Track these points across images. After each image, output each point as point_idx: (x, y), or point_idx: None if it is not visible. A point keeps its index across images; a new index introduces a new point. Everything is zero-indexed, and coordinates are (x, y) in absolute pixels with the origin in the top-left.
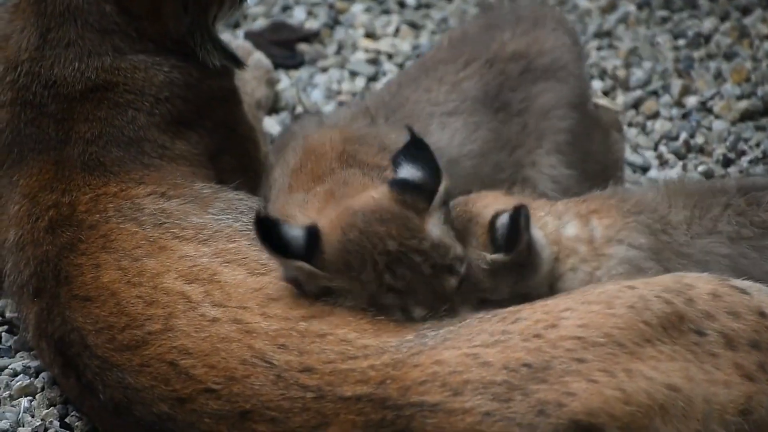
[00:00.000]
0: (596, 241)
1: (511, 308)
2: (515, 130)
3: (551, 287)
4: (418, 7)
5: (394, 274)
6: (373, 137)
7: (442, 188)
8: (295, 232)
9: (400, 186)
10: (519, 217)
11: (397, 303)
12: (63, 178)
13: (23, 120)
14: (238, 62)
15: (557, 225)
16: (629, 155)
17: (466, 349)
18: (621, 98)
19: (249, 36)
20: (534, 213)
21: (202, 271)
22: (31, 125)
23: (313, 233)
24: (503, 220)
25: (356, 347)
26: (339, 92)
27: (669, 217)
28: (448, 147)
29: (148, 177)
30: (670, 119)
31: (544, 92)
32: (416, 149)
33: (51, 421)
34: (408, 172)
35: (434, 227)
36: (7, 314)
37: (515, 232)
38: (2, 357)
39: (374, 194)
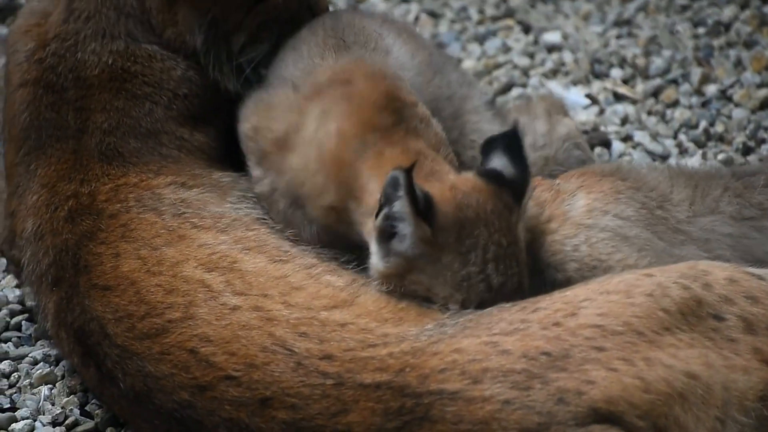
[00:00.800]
0: (572, 213)
1: (531, 299)
2: None
3: (535, 259)
4: None
5: (497, 268)
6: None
7: (531, 189)
8: (419, 196)
9: (495, 178)
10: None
11: (485, 298)
12: (81, 168)
13: (44, 103)
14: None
15: (538, 214)
16: (648, 143)
17: (486, 337)
18: (640, 86)
19: None
20: (540, 203)
21: (221, 259)
22: (50, 110)
23: (429, 199)
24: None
25: (376, 335)
26: None
27: (671, 196)
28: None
29: (167, 168)
30: (690, 108)
31: None
32: (511, 141)
33: (71, 409)
34: (500, 163)
35: (522, 233)
36: (28, 303)
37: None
38: (22, 345)
39: (476, 180)
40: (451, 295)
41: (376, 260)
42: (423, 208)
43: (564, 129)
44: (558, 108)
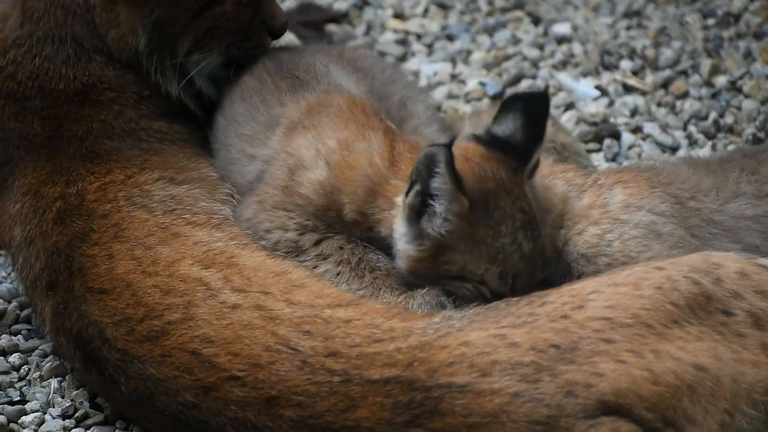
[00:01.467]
0: (611, 207)
1: (538, 293)
2: None
3: (557, 254)
4: None
5: (526, 235)
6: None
7: (536, 157)
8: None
9: (499, 145)
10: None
11: (519, 267)
12: (63, 170)
13: (6, 114)
14: (199, 110)
15: (574, 197)
16: (658, 135)
17: (494, 330)
18: (650, 78)
19: None
20: (577, 186)
21: (218, 255)
22: (14, 119)
23: (458, 177)
24: None
25: (382, 330)
26: None
27: (700, 186)
28: None
29: (150, 161)
30: (700, 99)
31: None
32: (534, 104)
33: (81, 402)
34: (511, 126)
35: (530, 194)
36: None
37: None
38: (32, 338)
39: (479, 148)
40: (487, 269)
41: (404, 245)
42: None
43: None
44: None
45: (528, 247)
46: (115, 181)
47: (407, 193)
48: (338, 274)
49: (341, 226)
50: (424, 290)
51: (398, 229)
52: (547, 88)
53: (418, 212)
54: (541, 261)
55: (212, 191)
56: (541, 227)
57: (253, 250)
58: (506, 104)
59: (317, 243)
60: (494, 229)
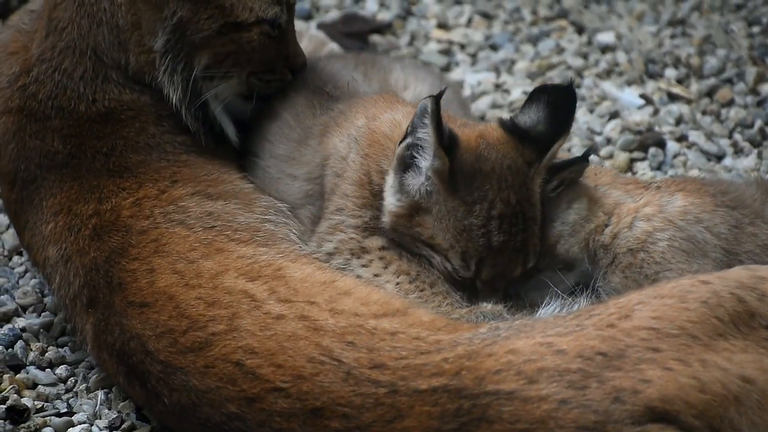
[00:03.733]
0: (669, 210)
1: (586, 307)
2: None
3: (605, 248)
4: None
5: (500, 226)
6: None
7: (555, 148)
8: (446, 130)
9: (519, 132)
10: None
11: (484, 255)
12: (93, 188)
13: (28, 132)
14: (201, 131)
15: (629, 200)
16: (703, 143)
17: (540, 338)
18: (695, 86)
19: (322, 27)
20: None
21: (264, 268)
22: (35, 138)
23: (455, 139)
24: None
25: (429, 343)
26: None
27: (763, 214)
28: None
29: (180, 174)
30: (745, 107)
31: None
32: (560, 96)
33: (128, 413)
34: (535, 116)
35: (538, 188)
36: None
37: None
38: (79, 350)
39: (501, 132)
40: (451, 246)
41: (389, 197)
42: (447, 143)
43: None
44: None
45: (499, 238)
46: (149, 196)
47: (400, 143)
48: (398, 284)
49: (375, 205)
50: (489, 305)
51: (388, 180)
52: (572, 81)
53: (406, 165)
54: (521, 260)
55: (249, 204)
56: (533, 228)
57: (303, 264)
58: (533, 94)
59: (381, 248)
60: (468, 206)
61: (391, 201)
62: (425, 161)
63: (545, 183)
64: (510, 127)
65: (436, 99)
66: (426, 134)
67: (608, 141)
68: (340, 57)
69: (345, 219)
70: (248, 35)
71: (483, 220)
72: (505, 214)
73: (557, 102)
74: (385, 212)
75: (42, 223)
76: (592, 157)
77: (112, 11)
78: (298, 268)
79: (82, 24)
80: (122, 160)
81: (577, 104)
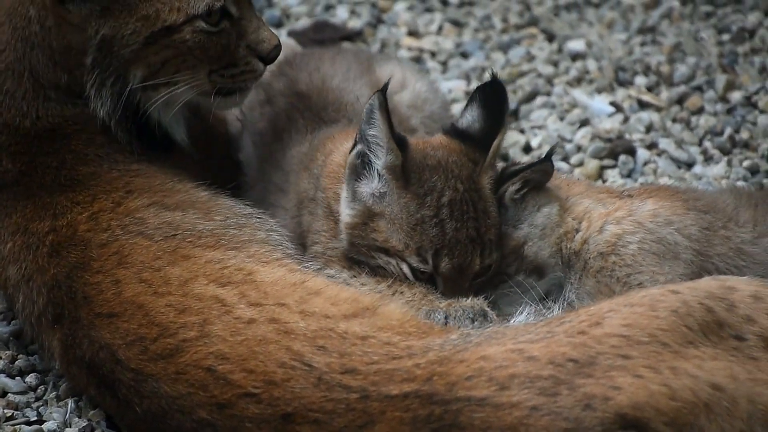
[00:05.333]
0: (639, 213)
1: (557, 315)
2: None
3: (577, 255)
4: (461, 4)
5: (451, 213)
6: None
7: (495, 144)
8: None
9: (459, 135)
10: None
11: (440, 245)
12: (46, 204)
13: None
14: (135, 141)
15: (599, 207)
16: (673, 151)
17: (512, 345)
18: (665, 94)
19: (292, 35)
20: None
21: (235, 273)
22: None
23: (405, 140)
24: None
25: (400, 348)
26: None
27: (738, 218)
28: None
29: (134, 183)
30: (715, 114)
31: None
32: (489, 92)
33: (98, 422)
34: (467, 120)
35: (487, 184)
36: None
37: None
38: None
39: (443, 138)
40: (406, 245)
41: (343, 210)
42: (398, 140)
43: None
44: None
45: (452, 225)
46: (105, 209)
47: (351, 151)
48: (377, 282)
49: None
50: (468, 299)
51: (342, 195)
52: (495, 74)
53: (358, 174)
54: (478, 251)
55: (207, 213)
56: (486, 220)
57: (274, 267)
58: (471, 97)
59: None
60: (420, 198)
61: (345, 212)
62: (379, 159)
63: (509, 185)
64: (451, 131)
65: (382, 92)
66: (377, 130)
67: (578, 148)
68: (345, 61)
69: (322, 251)
70: (180, 36)
71: (434, 210)
72: (454, 200)
73: (488, 98)
74: (341, 228)
75: (0, 243)
76: (563, 166)
77: (43, 34)
78: (269, 271)
79: (17, 47)
80: (73, 173)
81: (547, 111)
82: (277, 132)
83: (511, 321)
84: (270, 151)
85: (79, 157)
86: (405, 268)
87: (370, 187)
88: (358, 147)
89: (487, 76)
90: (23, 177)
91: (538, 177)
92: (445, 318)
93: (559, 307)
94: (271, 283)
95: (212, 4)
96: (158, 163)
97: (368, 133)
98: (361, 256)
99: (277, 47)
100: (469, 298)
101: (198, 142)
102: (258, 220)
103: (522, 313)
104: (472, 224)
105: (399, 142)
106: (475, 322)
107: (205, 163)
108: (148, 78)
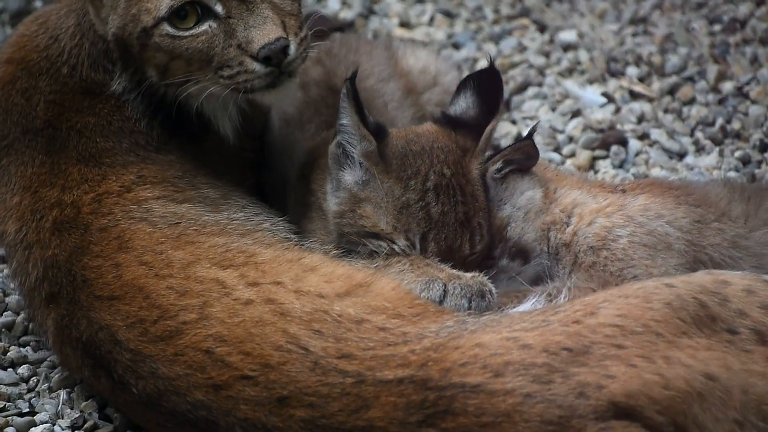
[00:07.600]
0: (629, 207)
1: (552, 305)
2: None
3: (567, 247)
4: None
5: (437, 197)
6: None
7: (488, 130)
8: (369, 118)
9: (449, 123)
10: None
11: (427, 229)
12: (60, 171)
13: (17, 88)
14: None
15: (590, 200)
16: (665, 141)
17: (507, 333)
18: (657, 84)
19: None
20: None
21: (237, 255)
22: (21, 95)
23: (382, 127)
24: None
25: (395, 334)
26: None
27: (730, 211)
28: None
29: (147, 170)
30: (707, 105)
31: None
32: (485, 79)
33: (90, 413)
34: (460, 107)
35: (476, 170)
36: None
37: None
38: (41, 349)
39: (431, 126)
40: (394, 228)
41: (330, 200)
42: (373, 128)
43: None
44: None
45: (437, 209)
46: (111, 192)
47: (331, 141)
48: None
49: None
50: (469, 274)
51: (327, 186)
52: (492, 60)
53: (341, 163)
54: (467, 236)
55: (216, 207)
56: (474, 204)
57: (276, 249)
58: (460, 84)
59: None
60: (404, 182)
61: (332, 201)
62: (356, 149)
63: (490, 164)
64: (441, 119)
65: (351, 81)
66: (348, 119)
67: (570, 139)
68: (380, 57)
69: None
70: (154, 41)
71: (419, 194)
72: (440, 185)
73: (484, 85)
74: (330, 219)
75: (8, 191)
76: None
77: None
78: (270, 252)
79: (78, 16)
80: (91, 143)
81: (539, 102)
82: (302, 121)
83: (518, 308)
84: (290, 141)
85: (102, 124)
86: (396, 250)
87: (353, 175)
88: (338, 137)
89: (480, 66)
90: (49, 128)
91: (520, 157)
92: (443, 292)
93: (564, 296)
94: (269, 261)
95: (172, 4)
96: (182, 151)
97: (341, 122)
98: (353, 246)
99: (268, 46)
100: (470, 274)
101: (247, 132)
102: (267, 218)
103: (528, 300)
104: (461, 208)
105: (374, 129)
106: (472, 303)
107: (242, 154)
108: (164, 77)
